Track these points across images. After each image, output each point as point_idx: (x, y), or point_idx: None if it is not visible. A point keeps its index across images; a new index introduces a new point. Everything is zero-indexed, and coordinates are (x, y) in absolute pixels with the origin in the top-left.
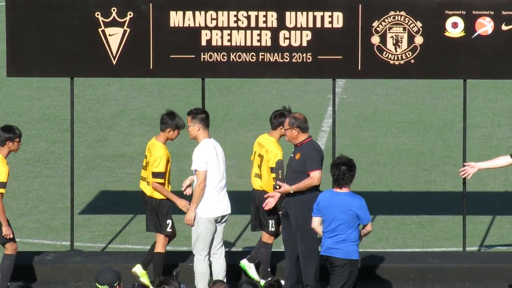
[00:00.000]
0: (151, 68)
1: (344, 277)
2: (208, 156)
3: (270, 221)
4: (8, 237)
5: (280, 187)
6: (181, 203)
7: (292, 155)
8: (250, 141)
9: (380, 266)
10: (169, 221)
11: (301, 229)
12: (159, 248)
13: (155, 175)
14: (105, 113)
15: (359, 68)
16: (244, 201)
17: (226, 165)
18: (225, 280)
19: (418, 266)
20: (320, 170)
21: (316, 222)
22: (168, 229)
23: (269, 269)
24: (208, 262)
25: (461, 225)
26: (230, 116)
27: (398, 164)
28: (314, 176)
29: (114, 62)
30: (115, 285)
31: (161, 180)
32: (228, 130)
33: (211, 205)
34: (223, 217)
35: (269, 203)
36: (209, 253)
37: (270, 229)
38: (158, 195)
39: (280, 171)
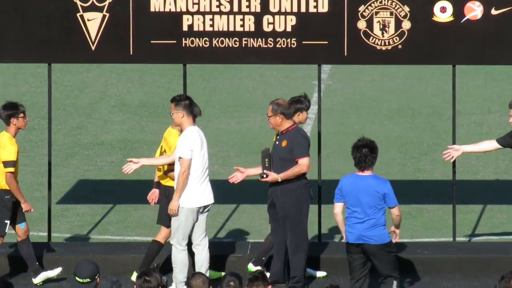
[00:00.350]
0: (131, 53)
1: (387, 259)
2: (193, 144)
3: None
4: (30, 212)
5: (267, 176)
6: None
7: (277, 142)
8: (233, 128)
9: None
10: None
11: (289, 219)
12: (160, 238)
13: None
14: (84, 100)
15: (345, 54)
16: (227, 190)
17: (209, 154)
18: (207, 273)
19: (407, 257)
20: (309, 157)
21: (339, 208)
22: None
23: (264, 259)
24: (187, 252)
25: (451, 215)
26: (213, 103)
27: (385, 152)
28: (303, 163)
29: (93, 48)
30: (96, 277)
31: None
32: (210, 117)
33: (194, 194)
34: (205, 207)
35: (235, 177)
36: (189, 243)
37: None
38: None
39: (266, 159)
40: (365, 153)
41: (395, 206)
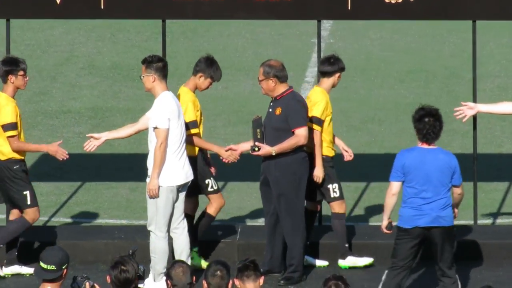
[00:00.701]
0: (102, 8)
1: (453, 244)
2: (170, 112)
3: (330, 186)
4: (63, 156)
5: (259, 149)
6: (220, 150)
7: (270, 110)
8: (220, 94)
9: (379, 243)
10: (208, 180)
11: (285, 198)
12: (210, 209)
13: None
14: (48, 61)
15: (349, 8)
16: (213, 165)
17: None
18: (189, 260)
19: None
20: (306, 127)
21: (397, 188)
22: (210, 189)
23: (347, 245)
24: (167, 239)
25: (471, 194)
26: None
27: (396, 121)
28: (300, 134)
29: (58, 1)
30: (63, 267)
31: (196, 130)
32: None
33: (173, 170)
34: (184, 184)
35: (232, 156)
36: (169, 228)
37: (333, 196)
38: (189, 150)
39: (258, 130)
40: (431, 122)
41: (460, 184)
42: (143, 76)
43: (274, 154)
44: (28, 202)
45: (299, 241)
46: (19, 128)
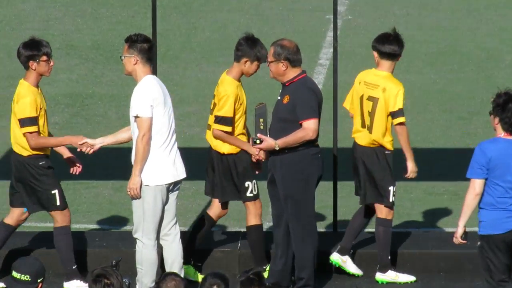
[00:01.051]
0: None
1: None
2: (154, 98)
3: (391, 188)
4: (91, 148)
5: (260, 142)
6: (250, 149)
7: (279, 97)
8: (217, 78)
9: (398, 252)
10: (248, 183)
11: (292, 201)
12: (251, 220)
13: (217, 119)
14: (19, 40)
15: None
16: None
17: (184, 112)
18: (182, 271)
19: (451, 252)
20: (317, 119)
21: (480, 187)
22: (249, 194)
23: (389, 258)
24: (157, 248)
25: None
26: (192, 45)
27: (424, 111)
28: (308, 127)
29: None
30: (38, 281)
31: (227, 128)
32: (188, 64)
33: (161, 167)
34: (176, 183)
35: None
36: (158, 235)
37: (392, 200)
38: (227, 148)
39: (261, 119)
40: None
41: None
42: (124, 57)
43: (277, 148)
44: (58, 203)
45: (310, 250)
46: (42, 120)
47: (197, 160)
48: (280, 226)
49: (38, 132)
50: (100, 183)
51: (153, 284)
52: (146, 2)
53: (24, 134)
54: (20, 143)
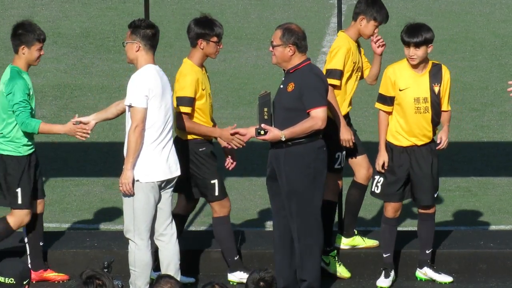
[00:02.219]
0: None
1: None
2: (150, 89)
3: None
4: (238, 143)
5: (265, 133)
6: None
7: (281, 86)
8: (217, 68)
9: (408, 252)
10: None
11: (297, 197)
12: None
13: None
14: (3, 27)
15: None
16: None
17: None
18: (179, 274)
19: (465, 252)
20: (326, 107)
21: None
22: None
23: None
24: (152, 248)
25: None
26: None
27: None
28: (317, 116)
29: None
30: (24, 283)
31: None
32: (183, 53)
33: (153, 164)
34: (169, 181)
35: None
36: (152, 235)
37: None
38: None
39: (265, 109)
40: None
41: None
42: (126, 43)
43: (283, 139)
44: (217, 193)
45: (315, 250)
46: (205, 105)
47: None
48: (282, 229)
49: (192, 115)
50: (91, 180)
51: (147, 286)
52: None
53: (178, 113)
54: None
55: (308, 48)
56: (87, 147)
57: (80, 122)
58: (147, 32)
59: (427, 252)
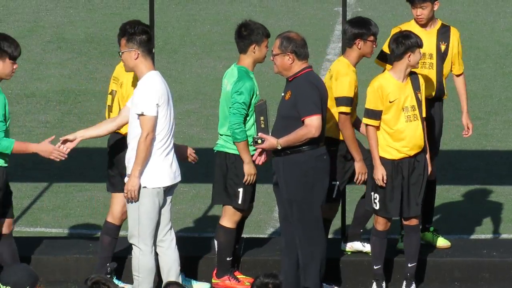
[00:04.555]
0: None
1: None
2: (160, 96)
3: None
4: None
5: (262, 141)
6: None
7: (282, 94)
8: (220, 74)
9: (401, 261)
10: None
11: (295, 204)
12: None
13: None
14: (7, 32)
15: None
16: (210, 163)
17: (184, 111)
18: (180, 279)
19: (468, 260)
20: (320, 115)
21: None
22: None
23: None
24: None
25: None
26: (191, 38)
27: None
28: (311, 124)
29: None
30: None
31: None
32: (187, 59)
33: (160, 169)
34: (172, 187)
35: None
36: (155, 241)
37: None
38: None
39: (261, 117)
40: None
41: None
42: (123, 52)
43: (279, 147)
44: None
45: (316, 258)
46: (353, 107)
47: (198, 161)
48: (287, 235)
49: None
50: (93, 186)
51: None
52: None
53: (338, 113)
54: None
55: (312, 55)
56: (90, 153)
57: (67, 140)
58: (143, 37)
59: (409, 265)
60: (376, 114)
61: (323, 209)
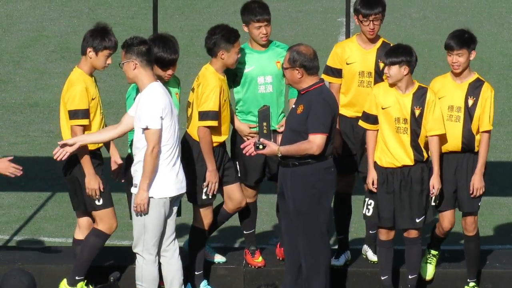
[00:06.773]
0: None
1: None
2: (163, 108)
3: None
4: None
5: (264, 147)
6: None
7: (293, 106)
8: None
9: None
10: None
11: (301, 216)
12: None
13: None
14: (11, 42)
15: None
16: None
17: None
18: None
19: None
20: (325, 135)
21: None
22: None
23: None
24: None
25: None
26: (195, 48)
27: None
28: (314, 141)
29: None
30: None
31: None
32: (191, 68)
33: (166, 180)
34: (178, 197)
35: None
36: (159, 250)
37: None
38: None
39: (264, 123)
40: None
41: None
42: (123, 63)
43: (279, 155)
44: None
45: (321, 271)
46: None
47: None
48: (291, 246)
49: None
50: None
51: None
52: (146, 2)
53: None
54: None
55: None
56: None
57: (65, 145)
58: (141, 48)
59: (410, 277)
60: (368, 118)
61: (338, 184)
